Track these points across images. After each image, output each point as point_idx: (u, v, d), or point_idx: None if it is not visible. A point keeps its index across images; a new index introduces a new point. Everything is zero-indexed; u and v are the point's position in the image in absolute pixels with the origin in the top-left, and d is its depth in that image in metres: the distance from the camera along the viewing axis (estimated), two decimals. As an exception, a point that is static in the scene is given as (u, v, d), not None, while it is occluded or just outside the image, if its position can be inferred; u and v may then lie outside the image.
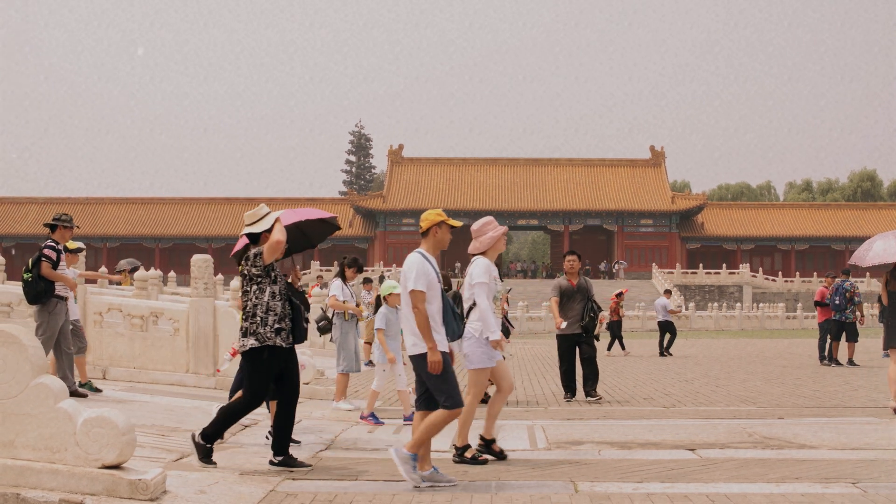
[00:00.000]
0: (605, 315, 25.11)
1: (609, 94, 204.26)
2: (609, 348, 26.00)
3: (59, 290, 10.84)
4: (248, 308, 7.40)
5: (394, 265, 79.01)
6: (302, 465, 7.50)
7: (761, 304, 60.62)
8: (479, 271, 8.13)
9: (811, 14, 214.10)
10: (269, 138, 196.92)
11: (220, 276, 34.59)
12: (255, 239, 7.57)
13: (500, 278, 10.70)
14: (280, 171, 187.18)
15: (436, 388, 6.98)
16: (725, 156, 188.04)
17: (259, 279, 7.40)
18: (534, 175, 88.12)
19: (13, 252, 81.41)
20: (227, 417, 7.38)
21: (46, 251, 10.75)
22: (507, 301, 15.83)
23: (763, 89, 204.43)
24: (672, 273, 74.94)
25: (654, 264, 79.48)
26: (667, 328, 25.71)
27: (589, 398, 12.69)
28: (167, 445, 8.26)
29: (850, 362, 20.12)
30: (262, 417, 10.51)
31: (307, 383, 12.67)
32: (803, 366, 20.36)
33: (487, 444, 8.15)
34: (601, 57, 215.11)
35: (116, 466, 5.79)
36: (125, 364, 14.01)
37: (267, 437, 8.86)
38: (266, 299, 7.36)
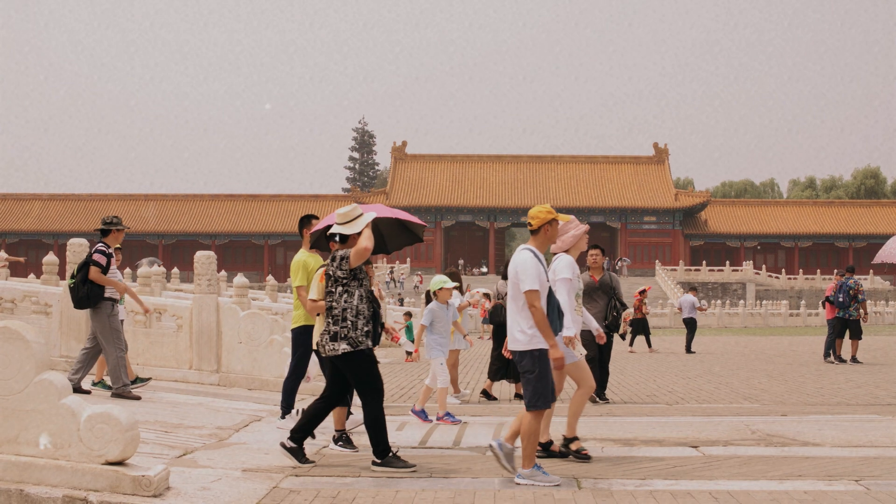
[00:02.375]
0: (629, 313, 25.38)
1: (612, 92, 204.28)
2: (647, 345, 26.60)
3: (109, 292, 10.83)
4: (335, 311, 7.33)
5: (396, 262, 79.07)
6: (306, 460, 7.51)
7: (764, 302, 60.55)
8: (563, 266, 8.14)
9: (812, 14, 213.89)
10: (273, 135, 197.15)
11: (223, 272, 34.65)
12: (343, 238, 7.51)
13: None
14: (283, 168, 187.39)
15: (531, 386, 6.89)
16: (729, 153, 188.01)
17: (345, 281, 7.34)
18: (537, 172, 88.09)
19: (17, 249, 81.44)
20: (371, 424, 7.35)
21: (96, 256, 10.66)
22: (490, 298, 15.77)
23: (766, 87, 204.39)
24: (675, 270, 74.90)
25: (657, 261, 79.49)
26: (691, 325, 26.10)
27: (597, 401, 12.59)
28: (170, 442, 8.27)
29: (854, 360, 20.09)
30: (265, 413, 10.52)
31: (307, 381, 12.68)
32: (806, 363, 20.35)
33: (567, 444, 8.05)
34: (604, 55, 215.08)
35: (120, 463, 5.80)
36: (128, 360, 14.00)
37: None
38: (355, 303, 7.33)
